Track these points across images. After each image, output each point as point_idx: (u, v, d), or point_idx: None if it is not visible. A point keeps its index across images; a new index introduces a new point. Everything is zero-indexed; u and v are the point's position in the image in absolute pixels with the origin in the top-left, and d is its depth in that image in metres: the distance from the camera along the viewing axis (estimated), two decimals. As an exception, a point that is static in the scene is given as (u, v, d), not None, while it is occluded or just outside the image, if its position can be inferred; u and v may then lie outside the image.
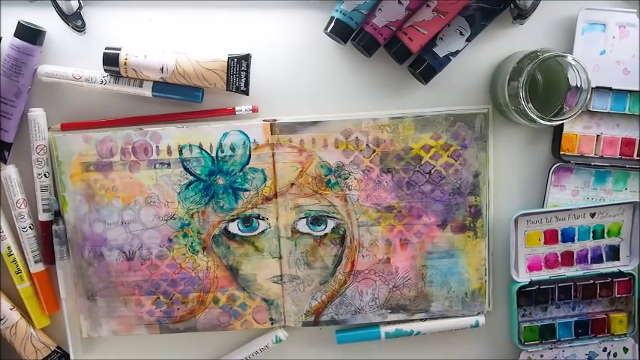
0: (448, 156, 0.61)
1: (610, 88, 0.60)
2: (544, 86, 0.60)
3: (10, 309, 0.62)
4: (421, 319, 0.64)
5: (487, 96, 0.63)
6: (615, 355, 0.65)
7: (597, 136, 0.62)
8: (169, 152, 0.61)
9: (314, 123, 0.60)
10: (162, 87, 0.60)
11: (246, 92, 0.60)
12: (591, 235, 0.63)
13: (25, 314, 0.63)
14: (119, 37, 0.60)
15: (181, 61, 0.59)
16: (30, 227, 0.62)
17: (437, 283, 0.63)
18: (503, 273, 0.65)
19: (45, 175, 0.61)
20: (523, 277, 0.63)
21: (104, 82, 0.59)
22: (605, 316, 0.64)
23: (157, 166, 0.61)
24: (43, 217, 0.61)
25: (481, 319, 0.64)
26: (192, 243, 0.62)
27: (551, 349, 0.64)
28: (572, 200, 0.63)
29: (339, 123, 0.61)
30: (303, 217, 0.62)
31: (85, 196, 0.61)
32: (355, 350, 0.66)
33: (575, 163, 0.62)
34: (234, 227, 0.62)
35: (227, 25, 0.61)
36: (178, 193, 0.61)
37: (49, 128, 0.61)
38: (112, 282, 0.63)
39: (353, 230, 0.62)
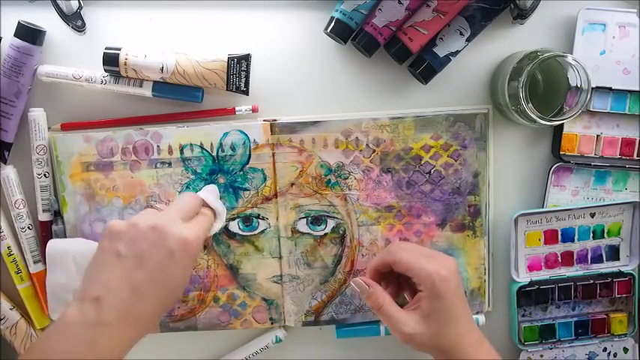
0: (448, 156, 0.61)
1: (610, 88, 0.60)
2: (544, 86, 0.60)
3: (10, 309, 0.62)
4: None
5: (487, 96, 0.62)
6: (615, 355, 0.65)
7: (597, 136, 0.62)
8: (170, 151, 0.61)
9: (314, 123, 0.60)
10: (162, 87, 0.60)
11: (246, 92, 0.60)
12: (591, 235, 0.63)
13: (25, 314, 0.63)
14: (119, 37, 0.60)
15: (181, 61, 0.59)
16: (29, 227, 0.62)
17: (437, 283, 0.63)
18: (503, 273, 0.65)
19: (45, 175, 0.61)
20: (523, 277, 0.63)
21: (104, 82, 0.59)
22: (605, 316, 0.64)
23: (158, 165, 0.61)
24: (43, 217, 0.61)
25: (481, 318, 0.64)
26: (192, 243, 0.62)
27: (551, 349, 0.64)
28: (572, 200, 0.63)
29: (339, 123, 0.61)
30: (303, 217, 0.62)
31: (85, 196, 0.61)
32: (355, 350, 0.66)
33: (575, 163, 0.62)
34: (234, 226, 0.62)
35: (227, 25, 0.61)
36: (179, 192, 0.61)
37: (49, 128, 0.61)
38: (112, 282, 0.63)
39: (353, 230, 0.62)
